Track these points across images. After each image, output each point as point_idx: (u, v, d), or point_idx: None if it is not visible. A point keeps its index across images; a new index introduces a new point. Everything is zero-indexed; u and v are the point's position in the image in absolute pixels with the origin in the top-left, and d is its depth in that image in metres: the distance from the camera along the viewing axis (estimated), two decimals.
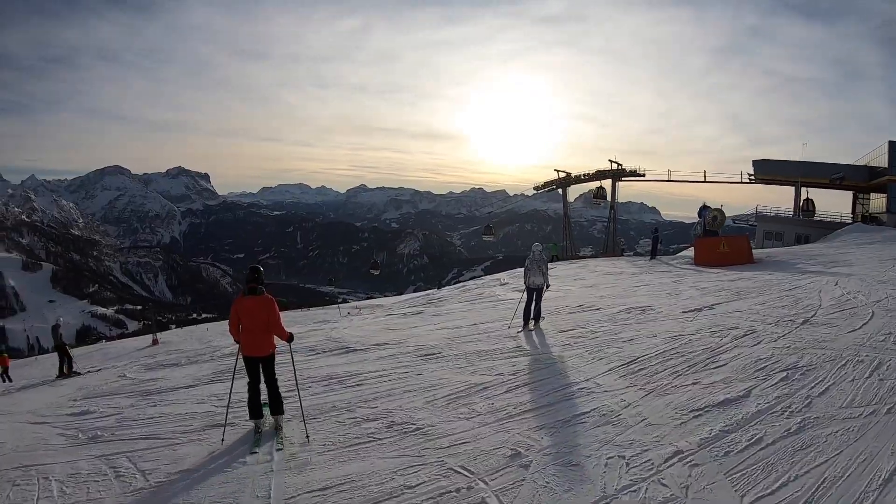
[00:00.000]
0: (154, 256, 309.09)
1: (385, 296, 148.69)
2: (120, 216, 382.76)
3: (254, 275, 7.94)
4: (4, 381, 30.03)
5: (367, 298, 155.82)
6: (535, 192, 71.88)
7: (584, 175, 66.70)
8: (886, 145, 45.76)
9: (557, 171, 67.84)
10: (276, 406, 8.14)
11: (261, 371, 8.03)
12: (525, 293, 14.77)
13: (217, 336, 31.30)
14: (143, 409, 10.49)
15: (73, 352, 70.60)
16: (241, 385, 8.32)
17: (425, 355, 12.52)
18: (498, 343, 13.10)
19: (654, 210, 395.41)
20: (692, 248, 33.12)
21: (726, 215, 31.44)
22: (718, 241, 29.45)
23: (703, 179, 60.90)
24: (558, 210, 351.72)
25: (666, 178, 62.98)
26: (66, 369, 19.67)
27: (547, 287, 14.52)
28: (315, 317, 60.37)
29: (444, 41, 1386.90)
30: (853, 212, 51.31)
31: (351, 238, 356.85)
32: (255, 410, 8.04)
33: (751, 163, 57.51)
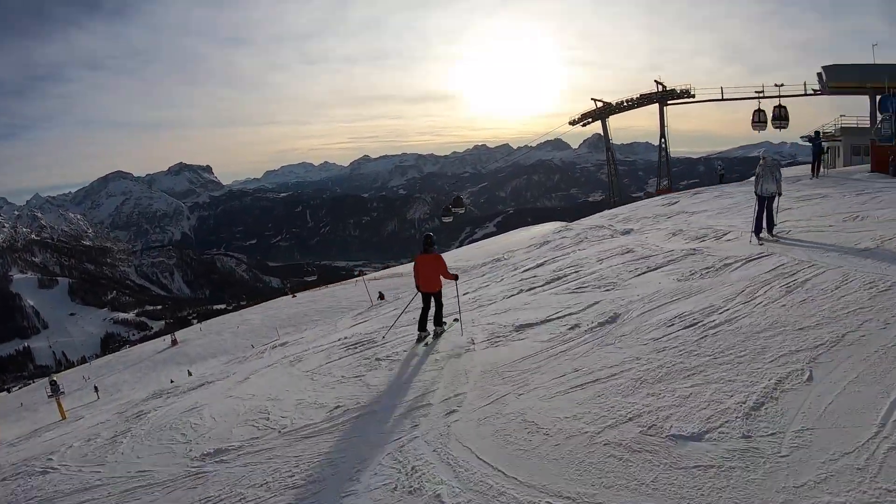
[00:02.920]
0: (167, 255, 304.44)
1: (402, 263, 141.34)
2: (128, 220, 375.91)
3: (428, 240, 11.39)
4: None
5: (384, 268, 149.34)
6: (571, 126, 62.86)
7: (626, 101, 59.68)
8: None
9: (595, 100, 60.57)
10: (438, 319, 11.65)
11: (430, 300, 11.44)
12: (756, 203, 13.88)
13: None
14: None
15: (97, 362, 64.21)
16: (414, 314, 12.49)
17: None
18: None
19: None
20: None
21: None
22: None
23: (761, 95, 53.41)
24: (564, 158, 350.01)
25: (719, 97, 55.44)
26: None
27: (779, 195, 13.88)
28: (338, 299, 53.79)
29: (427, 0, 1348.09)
30: None
31: (360, 210, 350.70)
32: (422, 325, 11.54)
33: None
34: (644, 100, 58.44)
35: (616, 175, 63.53)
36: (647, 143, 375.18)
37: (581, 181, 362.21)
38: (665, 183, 60.50)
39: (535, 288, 14.28)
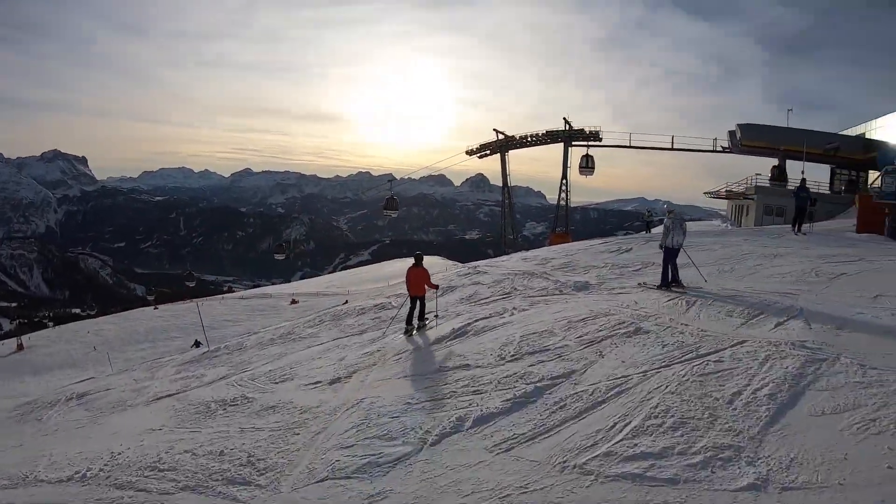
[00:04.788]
0: (28, 248, 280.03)
1: (273, 283, 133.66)
2: None
3: (419, 257, 13.75)
4: None
5: (255, 286, 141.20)
6: (468, 155, 56.15)
7: (530, 136, 53.99)
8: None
9: (497, 131, 54.52)
10: (421, 316, 13.50)
11: (416, 302, 13.39)
12: (664, 254, 13.20)
13: None
14: None
15: None
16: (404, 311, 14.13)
17: None
18: None
19: (539, 194, 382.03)
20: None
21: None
22: None
23: (670, 146, 50.32)
24: (445, 194, 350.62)
25: (627, 144, 51.44)
26: None
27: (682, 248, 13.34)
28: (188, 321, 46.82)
29: (332, 20, 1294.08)
30: (831, 186, 44.38)
31: (236, 224, 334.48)
32: (409, 321, 13.41)
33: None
34: (548, 137, 53.19)
35: (512, 212, 57.35)
36: (528, 187, 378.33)
37: (460, 218, 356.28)
38: (561, 228, 54.49)
39: (499, 431, 6.75)
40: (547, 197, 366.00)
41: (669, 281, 12.84)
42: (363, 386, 9.56)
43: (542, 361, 8.48)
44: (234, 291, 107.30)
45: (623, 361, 7.76)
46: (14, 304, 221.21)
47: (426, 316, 13.76)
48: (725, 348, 7.75)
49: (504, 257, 27.68)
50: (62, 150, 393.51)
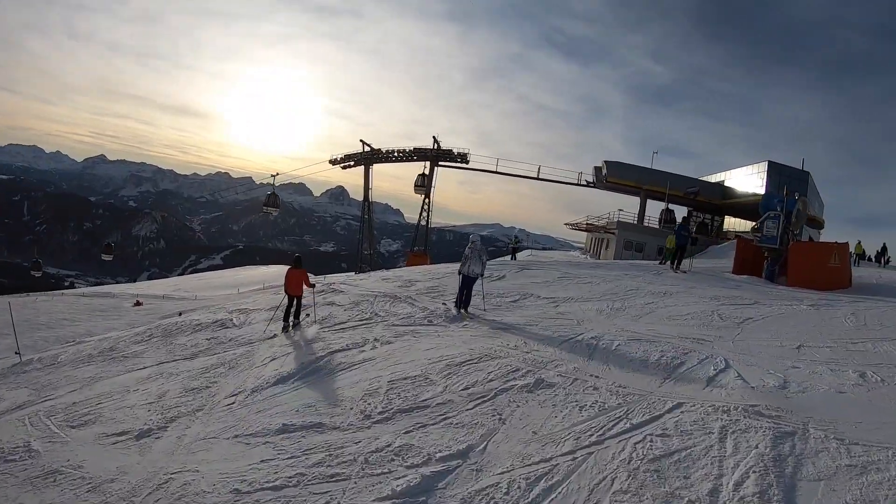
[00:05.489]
0: None
1: (118, 282, 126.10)
2: None
3: (298, 260, 14.47)
4: None
5: (98, 284, 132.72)
6: (332, 165, 54.10)
7: (397, 152, 52.39)
8: (765, 165, 41.55)
9: (364, 142, 52.72)
10: (297, 314, 14.12)
11: (293, 300, 14.03)
12: (460, 280, 13.24)
13: None
14: None
15: None
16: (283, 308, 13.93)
17: None
18: None
19: (398, 212, 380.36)
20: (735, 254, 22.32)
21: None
22: (829, 249, 18.96)
23: (535, 176, 50.20)
24: (303, 203, 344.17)
25: (493, 169, 50.89)
26: None
27: (482, 277, 13.36)
28: (37, 312, 41.87)
29: (213, 11, 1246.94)
30: None
31: (84, 214, 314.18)
32: (286, 317, 13.91)
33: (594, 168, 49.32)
34: (416, 154, 51.95)
35: (372, 228, 55.23)
36: (386, 204, 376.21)
37: (316, 229, 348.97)
38: (420, 248, 53.00)
39: None
40: (405, 215, 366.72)
41: (460, 306, 13.22)
42: (179, 447, 6.82)
43: (423, 425, 6.30)
44: (76, 287, 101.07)
45: (535, 432, 5.72)
46: None
47: (301, 315, 14.39)
48: (662, 414, 6.02)
49: (362, 275, 26.12)
50: None
